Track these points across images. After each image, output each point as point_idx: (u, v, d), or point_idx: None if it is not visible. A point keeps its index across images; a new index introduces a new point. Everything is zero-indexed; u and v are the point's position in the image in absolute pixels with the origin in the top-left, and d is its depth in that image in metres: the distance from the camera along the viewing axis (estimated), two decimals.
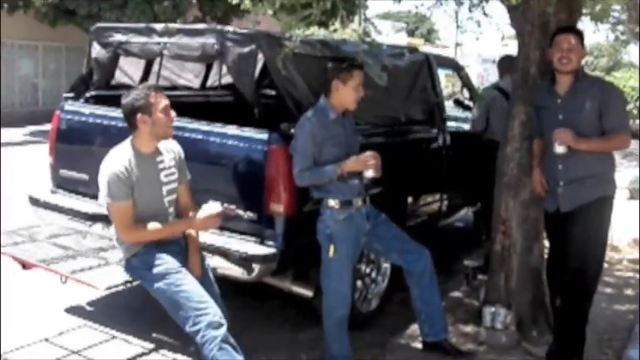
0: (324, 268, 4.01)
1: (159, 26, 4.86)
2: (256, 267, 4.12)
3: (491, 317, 4.49)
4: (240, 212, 4.04)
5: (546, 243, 4.50)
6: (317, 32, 4.72)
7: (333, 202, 3.97)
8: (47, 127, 5.42)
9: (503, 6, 4.67)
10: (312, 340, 4.53)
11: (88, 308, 4.98)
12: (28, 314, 4.82)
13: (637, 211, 7.87)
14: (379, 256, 4.80)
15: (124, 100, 3.53)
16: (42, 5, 17.27)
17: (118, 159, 3.47)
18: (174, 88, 6.16)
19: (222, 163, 4.42)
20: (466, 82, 7.22)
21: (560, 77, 3.94)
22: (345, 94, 3.98)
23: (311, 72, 4.45)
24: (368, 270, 4.89)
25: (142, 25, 5.11)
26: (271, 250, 4.16)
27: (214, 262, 4.00)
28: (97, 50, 5.17)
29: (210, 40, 4.47)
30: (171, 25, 4.85)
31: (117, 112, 4.41)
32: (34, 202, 5.17)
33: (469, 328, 4.68)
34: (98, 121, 5.01)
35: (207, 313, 3.31)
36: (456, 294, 5.46)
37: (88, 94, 5.34)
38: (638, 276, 6.01)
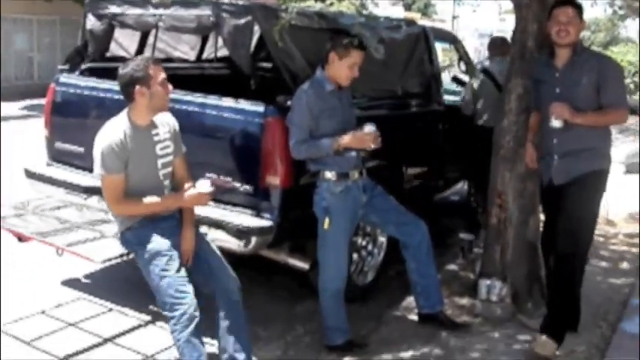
0: (320, 241, 4.01)
1: None
2: (253, 239, 4.12)
3: (487, 290, 4.52)
4: (237, 185, 4.03)
5: (542, 216, 4.51)
6: (313, 5, 4.69)
7: (329, 175, 3.96)
8: (43, 100, 5.37)
9: None
10: (308, 313, 4.55)
11: (85, 281, 4.99)
12: (25, 287, 4.83)
13: (633, 185, 7.88)
14: (376, 228, 4.81)
15: (122, 71, 3.44)
16: None
17: (113, 131, 3.42)
18: (169, 60, 6.11)
19: (218, 136, 4.40)
20: (463, 56, 7.19)
21: (559, 50, 3.91)
22: (339, 69, 3.95)
23: (308, 44, 4.42)
24: (364, 243, 4.90)
25: None
26: (268, 223, 4.16)
27: (211, 234, 4.00)
28: (92, 22, 5.13)
29: (206, 12, 4.43)
30: None
31: (112, 85, 4.39)
32: (30, 175, 5.16)
33: (464, 301, 4.71)
34: (93, 93, 4.98)
35: (184, 304, 3.29)
36: (452, 267, 5.49)
37: (83, 67, 5.29)
38: (633, 250, 6.03)
